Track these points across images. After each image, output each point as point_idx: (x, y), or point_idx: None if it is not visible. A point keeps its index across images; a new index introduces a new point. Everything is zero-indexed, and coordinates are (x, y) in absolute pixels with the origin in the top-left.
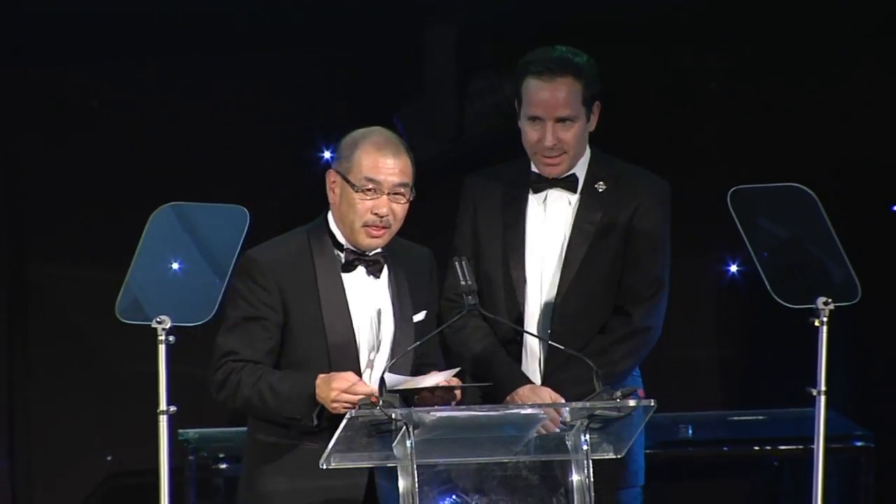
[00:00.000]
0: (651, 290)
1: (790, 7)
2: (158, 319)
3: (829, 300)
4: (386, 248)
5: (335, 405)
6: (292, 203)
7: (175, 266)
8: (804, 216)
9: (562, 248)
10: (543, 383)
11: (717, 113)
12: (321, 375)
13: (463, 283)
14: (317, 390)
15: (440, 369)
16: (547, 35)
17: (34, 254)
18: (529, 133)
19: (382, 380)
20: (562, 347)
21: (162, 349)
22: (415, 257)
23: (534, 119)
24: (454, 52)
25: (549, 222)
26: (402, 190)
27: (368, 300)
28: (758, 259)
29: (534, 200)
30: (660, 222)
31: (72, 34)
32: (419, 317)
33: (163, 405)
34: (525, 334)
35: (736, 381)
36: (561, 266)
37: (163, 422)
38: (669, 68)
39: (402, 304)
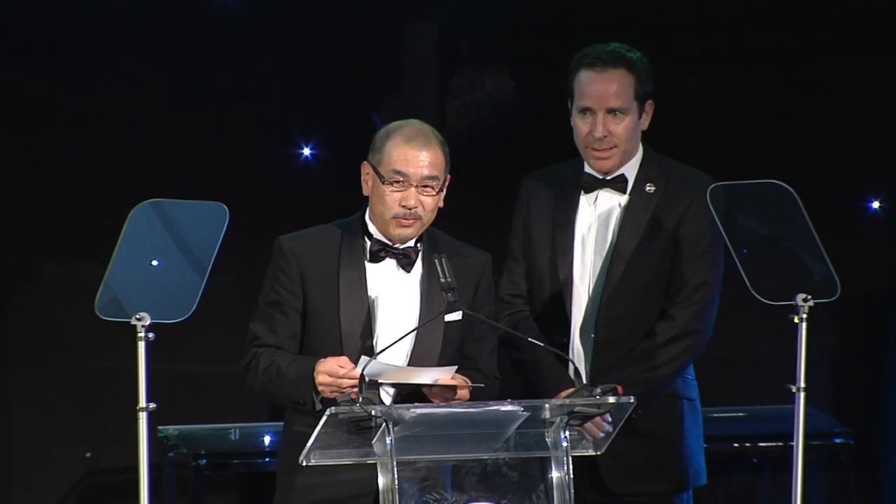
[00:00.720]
0: (698, 294)
1: (767, 4)
2: (138, 316)
3: (809, 297)
4: (426, 244)
5: (322, 389)
6: (272, 199)
7: (154, 263)
8: (783, 213)
9: (609, 250)
10: None
11: (695, 110)
12: (320, 360)
13: (442, 280)
14: (314, 374)
15: (476, 375)
16: (527, 32)
17: (13, 251)
18: (580, 126)
19: (363, 377)
20: (540, 344)
21: (141, 346)
22: (466, 261)
23: (585, 112)
24: (434, 48)
25: (599, 223)
26: (432, 183)
27: (394, 293)
28: (737, 256)
29: (584, 201)
30: (709, 225)
31: (50, 30)
32: (454, 317)
33: (142, 402)
34: (572, 336)
35: (715, 378)
36: (608, 268)
37: (142, 419)
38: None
39: (432, 301)
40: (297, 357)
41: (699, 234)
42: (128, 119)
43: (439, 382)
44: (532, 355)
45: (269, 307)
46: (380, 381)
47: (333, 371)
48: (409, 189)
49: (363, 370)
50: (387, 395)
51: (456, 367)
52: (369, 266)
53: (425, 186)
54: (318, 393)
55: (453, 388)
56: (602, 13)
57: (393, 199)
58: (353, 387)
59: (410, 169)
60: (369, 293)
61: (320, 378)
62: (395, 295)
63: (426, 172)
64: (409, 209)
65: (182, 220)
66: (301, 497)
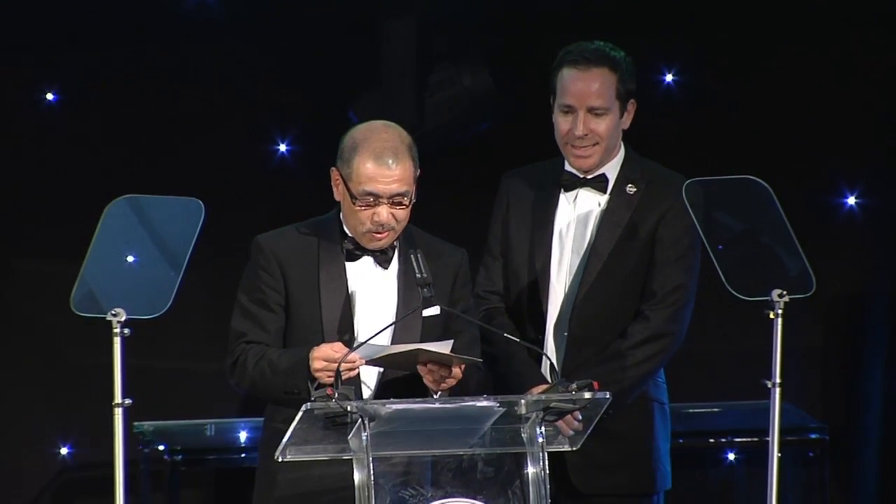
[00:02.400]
0: (673, 297)
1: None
2: (113, 312)
3: (784, 292)
4: (402, 240)
5: (319, 374)
6: (249, 195)
7: (130, 259)
8: (759, 208)
9: (587, 249)
10: None
11: (671, 105)
12: (313, 347)
13: (418, 275)
14: (308, 361)
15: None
16: (505, 27)
17: None
18: (561, 124)
19: (338, 372)
20: (516, 339)
21: (117, 342)
22: (443, 258)
23: (566, 110)
24: (412, 43)
25: (578, 222)
26: (402, 199)
27: (372, 290)
28: (713, 251)
29: (564, 200)
30: (688, 228)
31: (23, 25)
32: (431, 311)
33: (118, 398)
34: (547, 334)
35: (690, 374)
36: (584, 267)
37: (118, 414)
38: None
39: (409, 297)
40: (287, 349)
41: (677, 237)
42: (101, 114)
43: (436, 350)
44: (504, 350)
45: (253, 304)
46: (377, 356)
47: (329, 356)
48: (380, 206)
49: (338, 372)
50: (367, 389)
51: (452, 341)
52: (347, 263)
53: (396, 202)
54: (313, 381)
55: (448, 367)
56: (574, 8)
57: (365, 215)
58: (350, 369)
59: (380, 188)
60: (349, 289)
61: (316, 364)
62: (373, 291)
63: (396, 189)
64: (381, 224)
65: (157, 216)
66: (282, 490)
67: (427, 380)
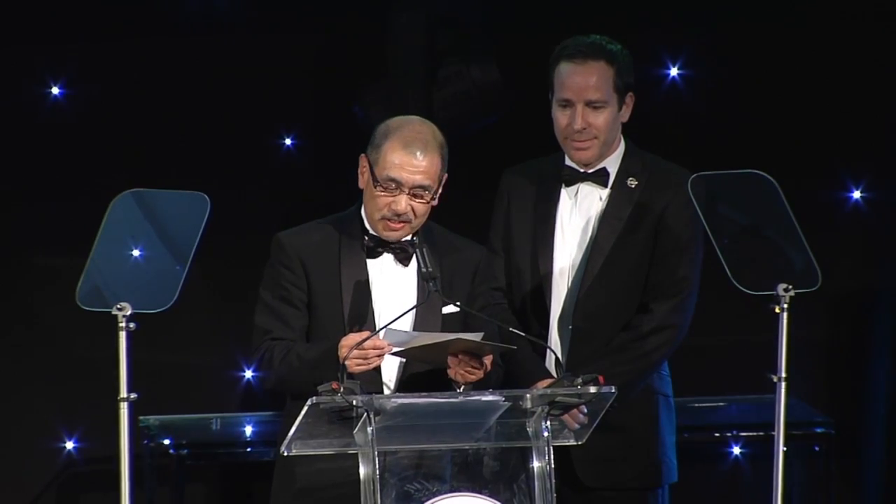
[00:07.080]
0: (677, 289)
1: None
2: (119, 306)
3: (790, 287)
4: (420, 236)
5: (348, 363)
6: (254, 189)
7: (136, 253)
8: (765, 202)
9: (589, 243)
10: None
11: (676, 99)
12: (341, 337)
13: (423, 269)
14: (337, 351)
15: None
16: (511, 21)
17: None
18: (560, 118)
19: (344, 366)
20: (522, 334)
21: (122, 336)
22: (462, 254)
23: (564, 104)
24: (421, 38)
25: (579, 217)
26: (424, 192)
27: (392, 287)
28: (718, 246)
29: (565, 195)
30: (690, 221)
31: (29, 18)
32: (450, 309)
33: (123, 392)
34: (550, 328)
35: (696, 368)
36: (587, 261)
37: (123, 409)
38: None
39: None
40: (313, 342)
41: (680, 230)
42: (107, 108)
43: (466, 338)
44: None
45: (277, 301)
46: (406, 347)
47: (351, 343)
48: (400, 195)
49: (343, 367)
50: (386, 388)
51: (483, 332)
52: (368, 260)
53: (417, 195)
54: (342, 370)
55: (478, 359)
56: (581, 3)
57: (384, 202)
58: (379, 356)
59: (404, 175)
60: (369, 286)
61: (345, 352)
62: (393, 287)
63: (419, 181)
64: (399, 214)
65: (163, 210)
66: (301, 482)
67: (454, 372)
